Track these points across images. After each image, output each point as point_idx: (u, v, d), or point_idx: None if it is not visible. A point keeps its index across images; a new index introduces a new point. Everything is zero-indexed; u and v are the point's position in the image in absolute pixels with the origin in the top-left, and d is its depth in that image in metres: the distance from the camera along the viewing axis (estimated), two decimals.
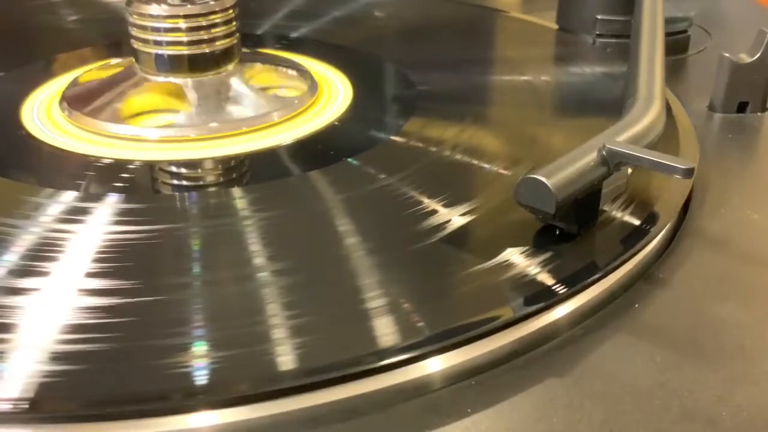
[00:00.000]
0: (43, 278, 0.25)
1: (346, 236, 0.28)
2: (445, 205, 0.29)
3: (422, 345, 0.23)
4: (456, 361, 0.23)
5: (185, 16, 0.37)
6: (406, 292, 0.25)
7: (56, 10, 0.55)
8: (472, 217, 0.29)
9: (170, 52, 0.38)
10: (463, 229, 0.28)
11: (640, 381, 0.23)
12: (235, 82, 0.39)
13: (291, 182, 0.32)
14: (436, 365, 0.23)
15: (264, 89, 0.40)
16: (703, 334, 0.25)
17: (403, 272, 0.26)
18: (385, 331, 0.23)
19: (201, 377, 0.21)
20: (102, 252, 0.27)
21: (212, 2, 0.37)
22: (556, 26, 0.52)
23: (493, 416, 0.22)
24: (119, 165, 0.33)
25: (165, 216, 0.29)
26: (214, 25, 0.38)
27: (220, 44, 0.38)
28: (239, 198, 0.31)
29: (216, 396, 0.21)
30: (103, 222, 0.28)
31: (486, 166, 0.33)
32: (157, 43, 0.38)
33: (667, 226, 0.30)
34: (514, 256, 0.26)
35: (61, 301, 0.24)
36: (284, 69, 0.42)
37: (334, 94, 0.40)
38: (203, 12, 0.37)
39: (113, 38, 0.48)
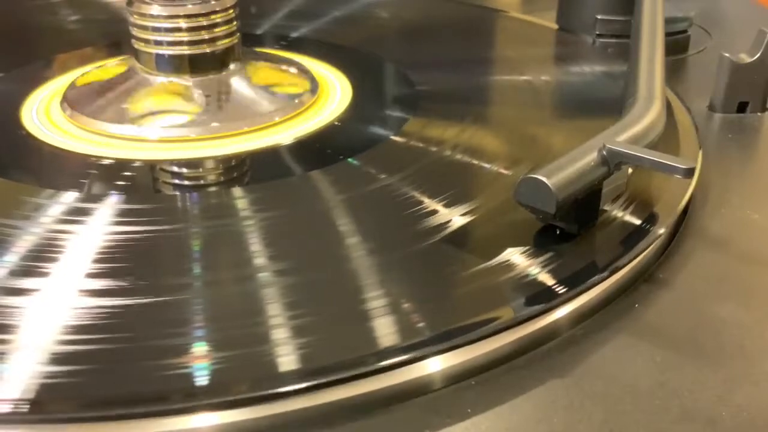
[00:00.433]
0: (44, 279, 0.25)
1: (346, 236, 0.28)
2: (446, 205, 0.29)
3: (423, 345, 0.23)
4: (456, 361, 0.23)
5: (186, 16, 0.37)
6: (406, 293, 0.25)
7: (56, 10, 0.55)
8: (473, 217, 0.29)
9: (171, 52, 0.38)
10: (463, 229, 0.28)
11: (641, 381, 0.23)
12: (236, 82, 0.39)
13: (291, 182, 0.32)
14: (436, 365, 0.23)
15: (264, 89, 0.40)
16: (704, 334, 0.25)
17: (403, 272, 0.26)
18: (386, 331, 0.23)
19: (202, 378, 0.21)
20: (103, 252, 0.27)
21: (213, 2, 0.37)
22: (556, 26, 0.52)
23: (493, 417, 0.22)
24: (120, 165, 0.33)
25: (166, 216, 0.29)
26: (215, 25, 0.38)
27: (220, 44, 0.38)
28: (240, 198, 0.31)
29: (216, 396, 0.21)
30: (103, 222, 0.29)
31: (486, 166, 0.33)
32: (158, 43, 0.38)
33: (668, 226, 0.30)
34: (515, 257, 0.26)
35: (61, 301, 0.24)
36: (285, 69, 0.42)
37: (334, 94, 0.40)
38: (204, 12, 0.37)
39: (113, 38, 0.48)
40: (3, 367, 0.22)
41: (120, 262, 0.26)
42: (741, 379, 0.23)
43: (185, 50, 0.38)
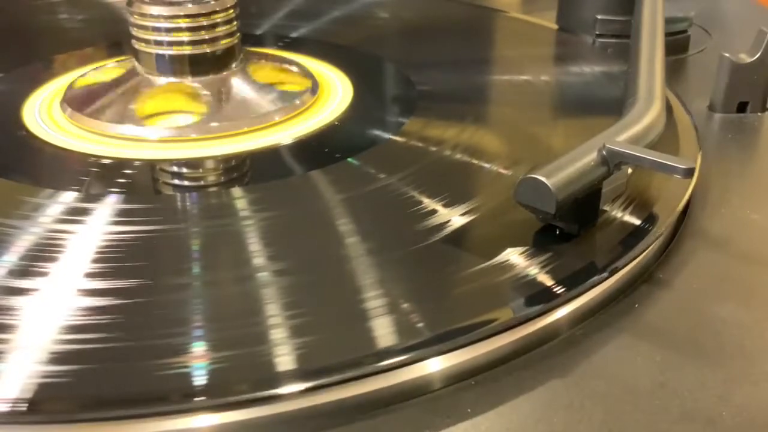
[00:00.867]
0: (43, 278, 0.25)
1: (346, 236, 0.28)
2: (445, 205, 0.29)
3: (422, 346, 0.23)
4: (456, 361, 0.23)
5: (186, 16, 0.37)
6: (406, 293, 0.25)
7: (56, 10, 0.55)
8: (472, 217, 0.29)
9: (171, 52, 0.38)
10: (463, 229, 0.28)
11: (641, 381, 0.23)
12: (236, 82, 0.39)
13: (291, 182, 0.32)
14: (436, 365, 0.23)
15: (264, 89, 0.40)
16: (703, 334, 0.25)
17: (403, 272, 0.26)
18: (386, 331, 0.23)
19: (200, 378, 0.21)
20: (102, 252, 0.27)
21: (213, 2, 0.37)
22: (556, 26, 0.52)
23: (493, 417, 0.22)
24: (120, 165, 0.33)
25: (165, 216, 0.29)
26: (215, 25, 0.38)
27: (220, 44, 0.38)
28: (239, 198, 0.31)
29: (216, 397, 0.21)
30: (103, 222, 0.29)
31: (486, 166, 0.33)
32: (158, 43, 0.38)
33: (667, 226, 0.30)
34: (514, 257, 0.26)
35: (60, 301, 0.24)
36: (285, 69, 0.42)
37: (334, 93, 0.40)
38: (204, 12, 0.37)
39: (113, 38, 0.48)
40: (1, 367, 0.22)
41: (119, 262, 0.26)
42: (741, 379, 0.23)
43: (185, 50, 0.38)
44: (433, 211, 0.29)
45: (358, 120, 0.38)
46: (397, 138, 0.35)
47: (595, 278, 0.26)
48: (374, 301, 0.24)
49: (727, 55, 0.39)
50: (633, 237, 0.28)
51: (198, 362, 0.22)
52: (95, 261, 0.26)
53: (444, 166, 0.33)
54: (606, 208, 0.29)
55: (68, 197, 0.30)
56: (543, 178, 0.26)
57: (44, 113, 0.38)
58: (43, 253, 0.27)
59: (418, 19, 0.53)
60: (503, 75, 0.44)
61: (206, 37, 0.38)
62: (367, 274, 0.26)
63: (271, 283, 0.25)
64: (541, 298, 0.25)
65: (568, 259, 0.26)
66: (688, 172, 0.26)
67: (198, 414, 0.21)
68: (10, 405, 0.20)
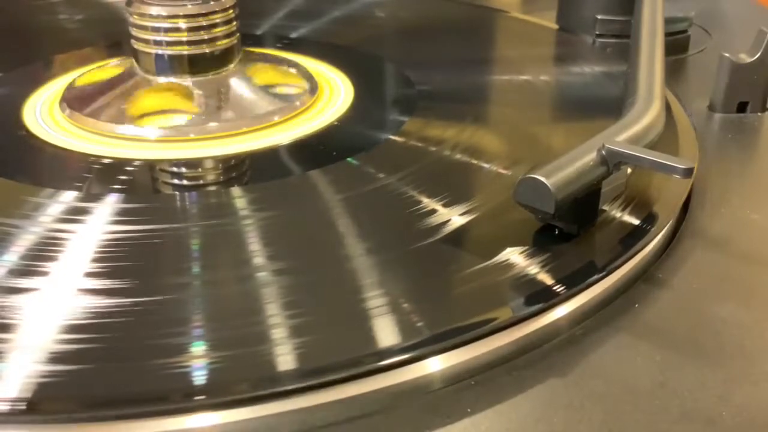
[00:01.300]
0: (43, 278, 0.25)
1: (345, 236, 0.28)
2: (445, 205, 0.29)
3: (422, 345, 0.23)
4: (456, 361, 0.23)
5: (185, 16, 0.37)
6: (405, 292, 0.25)
7: (56, 10, 0.55)
8: (472, 217, 0.29)
9: (170, 52, 0.38)
10: (463, 228, 0.28)
11: (640, 381, 0.23)
12: (235, 82, 0.39)
13: (291, 182, 0.32)
14: (436, 365, 0.23)
15: (264, 89, 0.40)
16: (703, 334, 0.25)
17: (402, 272, 0.26)
18: (385, 331, 0.23)
19: (200, 377, 0.21)
20: (102, 252, 0.27)
21: (212, 2, 0.37)
22: (556, 26, 0.52)
23: (493, 416, 0.22)
24: (119, 165, 0.33)
25: (165, 216, 0.29)
26: (215, 25, 0.38)
27: (220, 44, 0.38)
28: (239, 198, 0.31)
29: (215, 396, 0.21)
30: (103, 222, 0.28)
31: (486, 166, 0.33)
32: (157, 43, 0.38)
33: (667, 226, 0.30)
34: (514, 256, 0.26)
35: (60, 300, 0.24)
36: (284, 69, 0.42)
37: (334, 93, 0.40)
38: (203, 12, 0.37)
39: (113, 38, 0.48)
40: (1, 366, 0.22)
41: (119, 262, 0.26)
42: (741, 379, 0.23)
43: (185, 50, 0.38)
44: (433, 211, 0.29)
45: (357, 120, 0.38)
46: (397, 138, 0.35)
47: (595, 278, 0.26)
48: (374, 300, 0.24)
49: (727, 55, 0.39)
50: (632, 237, 0.28)
51: (198, 362, 0.22)
52: (95, 260, 0.26)
53: (444, 166, 0.33)
54: (605, 207, 0.29)
55: (68, 197, 0.30)
56: (542, 178, 0.26)
57: (44, 113, 0.38)
58: (43, 252, 0.27)
59: (417, 19, 0.53)
60: (503, 75, 0.44)
61: (205, 37, 0.38)
62: (366, 273, 0.26)
63: (271, 282, 0.25)
64: (540, 298, 0.25)
65: (567, 259, 0.26)
66: (688, 172, 0.26)
67: (198, 413, 0.21)
68: (10, 404, 0.20)
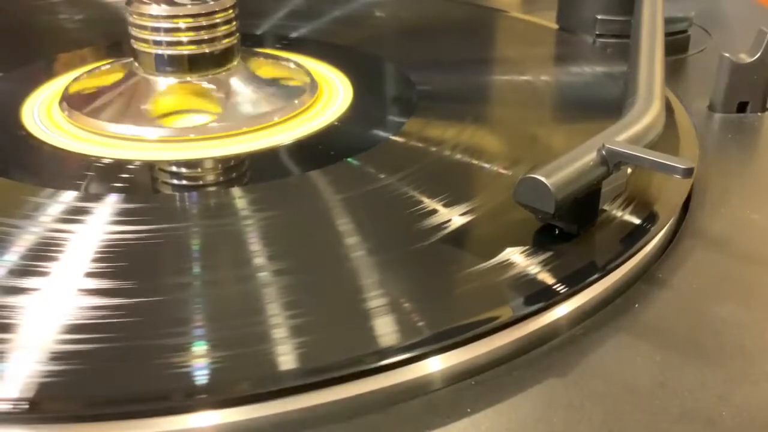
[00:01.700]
0: (43, 278, 0.25)
1: (346, 236, 0.28)
2: (445, 205, 0.29)
3: (422, 345, 0.23)
4: (456, 361, 0.23)
5: (185, 16, 0.37)
6: (406, 292, 0.25)
7: (56, 10, 0.55)
8: (472, 217, 0.29)
9: (170, 52, 0.38)
10: (463, 228, 0.28)
11: (640, 381, 0.23)
12: (235, 82, 0.39)
13: (291, 182, 0.32)
14: (436, 365, 0.23)
15: (264, 89, 0.40)
16: (703, 334, 0.25)
17: (403, 272, 0.26)
18: (385, 330, 0.23)
19: (201, 377, 0.21)
20: (102, 252, 0.27)
21: (212, 2, 0.37)
22: (556, 26, 0.52)
23: (493, 416, 0.22)
24: (119, 165, 0.33)
25: (165, 216, 0.29)
26: (215, 25, 0.38)
27: (220, 44, 0.38)
28: (239, 198, 0.31)
29: (216, 396, 0.21)
30: (103, 222, 0.29)
31: (486, 166, 0.33)
32: (157, 43, 0.38)
33: (667, 226, 0.30)
34: (514, 256, 0.26)
35: (61, 300, 0.24)
36: (284, 69, 0.42)
37: (334, 94, 0.40)
38: (203, 12, 0.37)
39: (113, 38, 0.48)
40: (2, 366, 0.22)
41: (119, 262, 0.26)
42: (741, 379, 0.23)
43: (185, 50, 0.38)
44: (433, 211, 0.29)
45: (357, 120, 0.38)
46: (397, 138, 0.35)
47: (595, 277, 0.26)
48: (374, 300, 0.24)
49: (727, 55, 0.39)
50: (632, 237, 0.28)
51: (198, 361, 0.22)
52: (95, 260, 0.26)
53: (444, 166, 0.33)
54: (606, 207, 0.29)
55: (68, 197, 0.30)
56: (542, 178, 0.26)
57: (43, 113, 0.38)
58: (43, 252, 0.27)
59: (417, 19, 0.53)
60: (503, 75, 0.44)
61: (205, 37, 0.38)
62: (367, 273, 0.26)
63: (271, 282, 0.25)
64: (540, 297, 0.25)
65: (567, 259, 0.26)
66: (688, 172, 0.26)
67: (199, 412, 0.21)
68: (12, 404, 0.20)
